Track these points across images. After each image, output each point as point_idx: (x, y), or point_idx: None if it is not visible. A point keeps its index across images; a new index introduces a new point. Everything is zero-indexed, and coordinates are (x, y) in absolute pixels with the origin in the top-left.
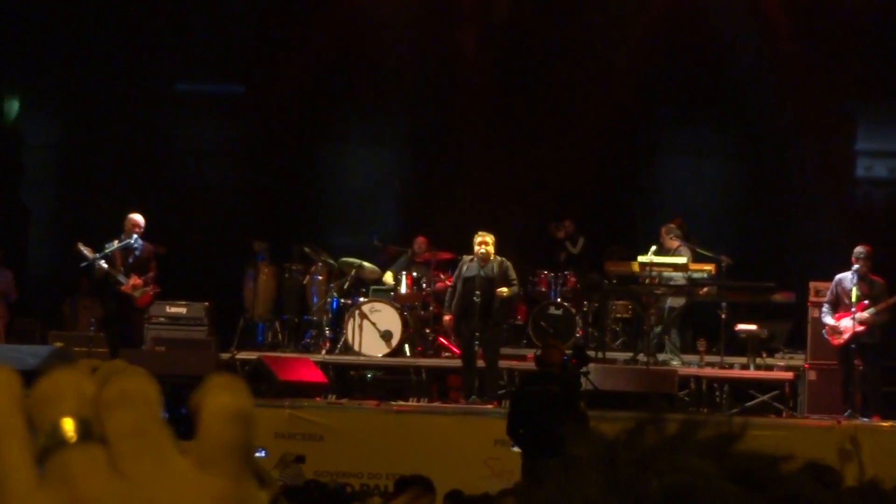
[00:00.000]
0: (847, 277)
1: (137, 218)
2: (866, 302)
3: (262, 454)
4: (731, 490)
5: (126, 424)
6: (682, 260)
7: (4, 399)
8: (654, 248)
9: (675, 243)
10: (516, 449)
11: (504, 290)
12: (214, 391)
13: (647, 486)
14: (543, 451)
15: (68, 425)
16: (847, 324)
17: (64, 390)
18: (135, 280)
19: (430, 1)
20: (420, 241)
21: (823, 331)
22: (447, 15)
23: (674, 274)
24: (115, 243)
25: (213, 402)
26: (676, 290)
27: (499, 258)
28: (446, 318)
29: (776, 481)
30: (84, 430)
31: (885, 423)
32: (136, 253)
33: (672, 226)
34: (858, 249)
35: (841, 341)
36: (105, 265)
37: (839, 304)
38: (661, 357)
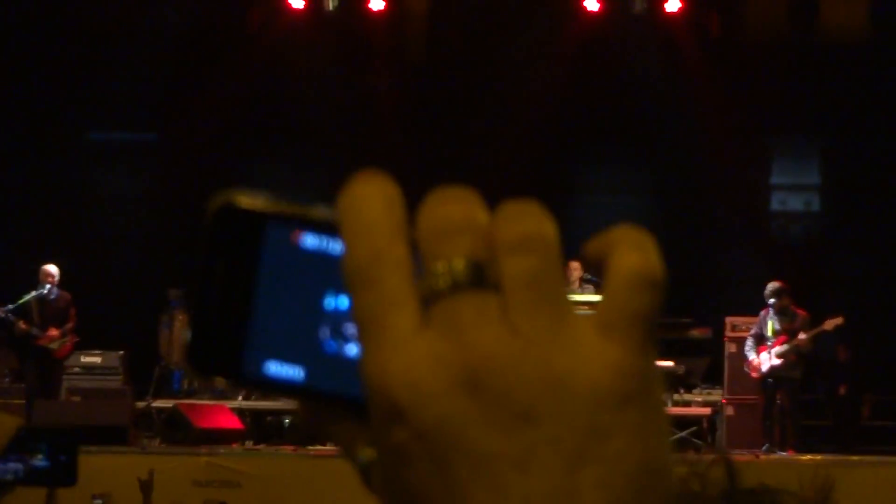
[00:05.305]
0: (769, 312)
1: (50, 268)
2: (786, 336)
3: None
4: None
5: (525, 272)
6: (595, 298)
7: (384, 224)
8: None
9: (576, 282)
10: None
11: None
12: (623, 249)
13: None
14: None
15: (460, 266)
16: (764, 358)
17: (458, 224)
18: (52, 332)
19: (343, 44)
20: None
21: (745, 364)
22: (361, 58)
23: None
24: (32, 294)
25: (622, 261)
26: None
27: None
28: None
29: None
30: (477, 273)
31: (803, 457)
32: (52, 303)
33: (576, 263)
34: (767, 287)
35: (759, 375)
36: (18, 319)
37: (763, 338)
38: None
